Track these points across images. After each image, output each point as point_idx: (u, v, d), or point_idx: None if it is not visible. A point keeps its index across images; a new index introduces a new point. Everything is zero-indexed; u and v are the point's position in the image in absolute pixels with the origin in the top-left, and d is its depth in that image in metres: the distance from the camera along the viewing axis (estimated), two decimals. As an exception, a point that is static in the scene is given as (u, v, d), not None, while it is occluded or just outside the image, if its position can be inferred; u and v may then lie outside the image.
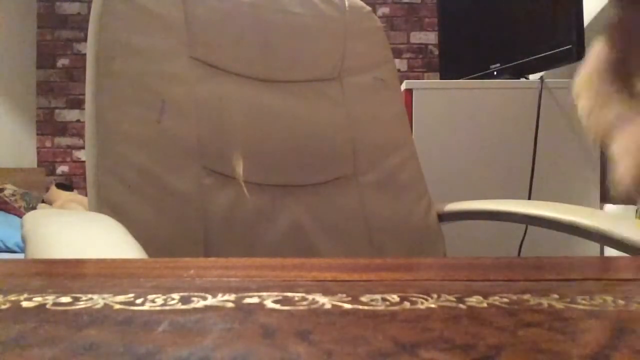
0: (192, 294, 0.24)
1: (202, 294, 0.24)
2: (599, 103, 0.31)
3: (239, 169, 0.75)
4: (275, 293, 0.24)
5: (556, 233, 0.68)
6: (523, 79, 1.45)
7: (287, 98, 0.84)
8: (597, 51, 0.32)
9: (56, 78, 3.27)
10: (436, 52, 3.07)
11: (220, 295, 0.24)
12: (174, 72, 0.74)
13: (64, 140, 3.27)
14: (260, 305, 0.22)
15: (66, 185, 2.96)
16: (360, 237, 0.83)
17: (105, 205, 0.64)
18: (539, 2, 1.36)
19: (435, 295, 0.24)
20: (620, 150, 0.29)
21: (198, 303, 0.22)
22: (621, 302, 0.23)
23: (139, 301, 0.23)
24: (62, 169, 3.26)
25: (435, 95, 1.40)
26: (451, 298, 0.23)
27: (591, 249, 1.35)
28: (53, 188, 2.80)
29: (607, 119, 0.30)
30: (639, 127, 0.29)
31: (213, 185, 0.72)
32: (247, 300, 0.23)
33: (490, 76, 1.54)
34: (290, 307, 0.22)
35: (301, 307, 0.22)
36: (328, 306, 0.22)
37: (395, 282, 0.27)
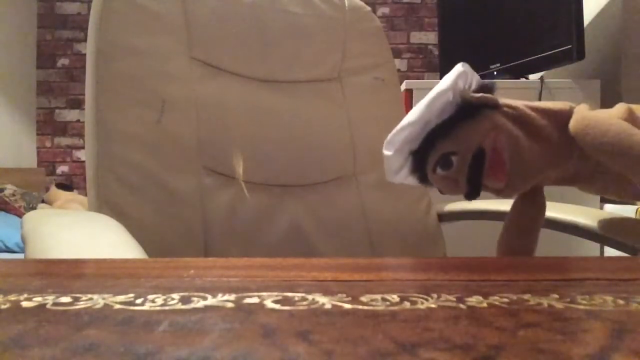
0: (192, 294, 0.24)
1: (202, 294, 0.24)
2: None
3: (239, 169, 0.75)
4: (275, 293, 0.24)
5: (556, 233, 0.68)
6: (523, 79, 1.45)
7: (287, 98, 0.84)
8: None
9: (56, 78, 3.27)
10: (436, 52, 3.07)
11: (220, 295, 0.24)
12: (174, 72, 0.74)
13: (64, 140, 3.27)
14: (260, 305, 0.22)
15: (66, 185, 2.96)
16: (360, 237, 0.83)
17: (105, 205, 0.64)
18: (538, 2, 1.36)
19: (435, 295, 0.24)
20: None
21: (198, 303, 0.22)
22: (621, 302, 0.23)
23: (139, 301, 0.23)
24: (62, 169, 3.26)
25: (435, 95, 1.39)
26: (451, 298, 0.23)
27: (591, 249, 1.35)
28: (53, 188, 2.80)
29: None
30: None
31: (213, 185, 0.72)
32: (247, 300, 0.23)
33: (490, 76, 1.54)
34: (290, 307, 0.22)
35: (301, 307, 0.22)
36: (328, 306, 0.22)
37: (395, 282, 0.27)
